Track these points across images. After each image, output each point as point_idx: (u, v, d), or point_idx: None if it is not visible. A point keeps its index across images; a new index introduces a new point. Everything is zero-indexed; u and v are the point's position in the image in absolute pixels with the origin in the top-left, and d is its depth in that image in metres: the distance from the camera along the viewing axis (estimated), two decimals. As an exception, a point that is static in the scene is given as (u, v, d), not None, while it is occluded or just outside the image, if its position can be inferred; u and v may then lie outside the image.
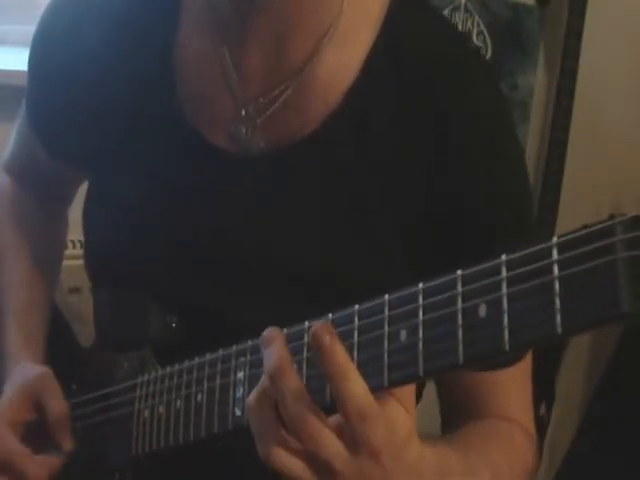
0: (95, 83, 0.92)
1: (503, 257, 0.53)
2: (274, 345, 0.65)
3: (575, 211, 2.12)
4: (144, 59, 0.89)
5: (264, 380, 0.66)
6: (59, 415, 0.92)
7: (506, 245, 0.55)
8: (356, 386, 0.62)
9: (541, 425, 2.12)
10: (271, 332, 0.66)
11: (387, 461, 0.63)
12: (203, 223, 0.87)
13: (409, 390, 0.64)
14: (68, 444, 0.91)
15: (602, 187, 2.24)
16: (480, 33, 2.08)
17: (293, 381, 0.64)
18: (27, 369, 0.96)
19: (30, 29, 0.98)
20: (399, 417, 0.63)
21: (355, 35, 0.84)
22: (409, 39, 0.84)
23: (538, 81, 2.19)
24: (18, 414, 0.93)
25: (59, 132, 0.97)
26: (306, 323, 0.67)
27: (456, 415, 0.87)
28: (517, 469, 0.82)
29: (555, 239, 0.50)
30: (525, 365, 0.87)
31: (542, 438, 2.11)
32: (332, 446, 0.63)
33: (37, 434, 0.93)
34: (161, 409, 0.82)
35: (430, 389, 0.86)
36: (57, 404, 0.92)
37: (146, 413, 0.84)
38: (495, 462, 0.77)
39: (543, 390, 2.17)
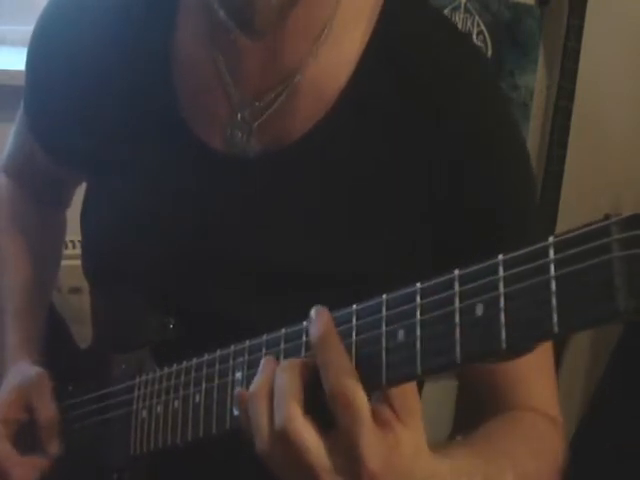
0: (94, 84, 0.91)
1: (500, 257, 0.53)
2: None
3: (575, 211, 2.12)
4: (143, 60, 0.89)
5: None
6: (47, 419, 0.93)
7: (507, 244, 0.55)
8: (357, 389, 0.60)
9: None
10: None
11: None
12: (201, 224, 0.87)
13: (414, 404, 0.63)
14: (55, 448, 0.93)
15: (602, 187, 2.23)
16: (480, 33, 2.08)
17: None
18: (22, 370, 0.97)
19: (30, 29, 0.98)
20: (402, 437, 0.61)
21: (349, 33, 0.84)
22: (404, 34, 0.84)
23: (538, 81, 2.19)
24: (9, 413, 0.94)
25: (57, 133, 0.97)
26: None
27: (479, 409, 0.86)
28: (544, 464, 0.79)
29: (552, 238, 0.50)
30: (545, 354, 0.86)
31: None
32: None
33: (27, 433, 0.94)
34: (159, 409, 0.82)
35: (429, 393, 0.86)
36: (46, 408, 0.93)
37: (144, 413, 0.84)
38: (520, 461, 0.75)
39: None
